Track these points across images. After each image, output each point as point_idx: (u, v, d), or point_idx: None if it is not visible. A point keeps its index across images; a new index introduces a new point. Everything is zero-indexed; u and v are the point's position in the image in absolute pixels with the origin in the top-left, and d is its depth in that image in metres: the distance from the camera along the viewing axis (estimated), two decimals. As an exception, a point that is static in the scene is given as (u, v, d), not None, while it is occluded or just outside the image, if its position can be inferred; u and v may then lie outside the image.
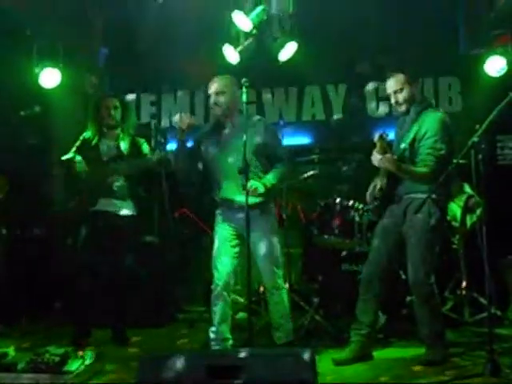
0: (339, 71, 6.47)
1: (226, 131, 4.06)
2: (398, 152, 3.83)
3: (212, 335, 3.97)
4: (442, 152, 3.66)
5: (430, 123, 3.73)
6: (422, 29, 5.90)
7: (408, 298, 4.33)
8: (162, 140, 4.52)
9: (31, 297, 5.28)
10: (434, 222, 3.69)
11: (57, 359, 3.52)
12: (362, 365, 3.77)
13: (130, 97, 6.66)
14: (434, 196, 3.62)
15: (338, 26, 5.96)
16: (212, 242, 4.13)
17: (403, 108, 3.88)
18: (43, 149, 6.00)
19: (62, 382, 3.38)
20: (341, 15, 5.82)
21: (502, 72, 5.51)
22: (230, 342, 3.98)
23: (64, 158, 4.45)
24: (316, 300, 4.66)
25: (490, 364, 3.33)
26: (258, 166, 4.00)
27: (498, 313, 4.51)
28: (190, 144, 4.16)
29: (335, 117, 6.37)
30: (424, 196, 3.59)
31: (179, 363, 2.50)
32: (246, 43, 5.26)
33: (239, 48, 5.28)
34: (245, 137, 3.63)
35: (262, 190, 3.84)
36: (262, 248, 3.97)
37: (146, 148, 4.58)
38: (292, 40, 5.20)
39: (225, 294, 3.96)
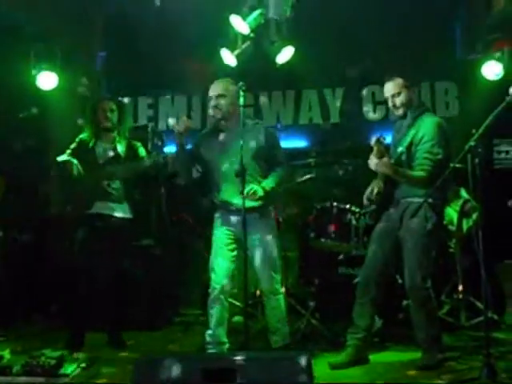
0: (336, 75, 6.49)
1: (225, 134, 4.06)
2: (395, 156, 3.83)
3: (208, 338, 3.96)
4: (439, 156, 3.67)
5: (427, 128, 3.74)
6: (419, 33, 5.92)
7: (404, 302, 4.33)
8: (159, 143, 4.52)
9: (27, 300, 5.27)
10: (431, 226, 3.70)
11: (52, 362, 3.51)
12: (358, 369, 3.77)
13: (126, 100, 6.66)
14: (430, 200, 3.64)
15: (335, 29, 5.99)
16: (209, 246, 4.12)
17: (400, 112, 3.89)
18: (40, 151, 5.98)
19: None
20: (338, 19, 5.85)
21: (499, 77, 5.53)
22: (227, 345, 3.98)
23: (59, 158, 4.43)
24: (312, 304, 4.65)
25: (486, 368, 3.31)
26: (257, 169, 4.00)
27: (495, 317, 4.51)
28: (189, 147, 4.16)
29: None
30: (421, 200, 3.60)
31: (175, 366, 2.49)
32: (243, 47, 5.26)
33: (236, 51, 5.28)
34: (242, 141, 3.64)
35: (261, 193, 3.85)
36: (260, 252, 3.97)
37: (142, 151, 4.57)
38: (289, 44, 5.20)
39: (222, 297, 3.96)
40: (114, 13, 6.02)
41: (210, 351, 3.92)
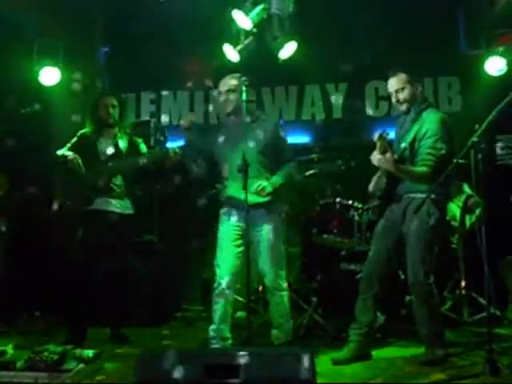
0: (339, 70, 6.47)
1: (234, 130, 4.07)
2: (398, 151, 3.82)
3: (212, 333, 3.97)
4: (442, 152, 3.66)
5: (430, 123, 3.73)
6: (422, 28, 5.90)
7: (407, 298, 4.32)
8: (162, 138, 4.51)
9: (30, 295, 5.28)
10: (433, 221, 3.69)
11: (55, 358, 3.50)
12: (361, 364, 3.77)
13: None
14: (433, 196, 3.62)
15: (337, 24, 5.97)
16: (213, 241, 4.12)
17: (404, 107, 3.88)
18: (43, 146, 5.98)
19: (61, 381, 3.37)
20: (341, 14, 5.83)
21: (502, 72, 5.51)
22: (230, 341, 3.98)
23: (58, 152, 4.41)
24: (315, 299, 4.66)
25: (488, 364, 3.32)
26: (265, 164, 4.00)
27: (497, 313, 4.50)
28: (195, 142, 4.16)
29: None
30: (424, 196, 3.59)
31: (177, 362, 2.49)
32: (246, 42, 5.25)
33: (239, 47, 5.27)
34: (246, 136, 3.65)
35: (269, 189, 3.87)
36: (265, 248, 3.97)
37: (143, 147, 4.56)
38: (292, 39, 5.19)
39: (227, 292, 3.95)
40: (116, 8, 6.00)
41: (213, 346, 3.93)
